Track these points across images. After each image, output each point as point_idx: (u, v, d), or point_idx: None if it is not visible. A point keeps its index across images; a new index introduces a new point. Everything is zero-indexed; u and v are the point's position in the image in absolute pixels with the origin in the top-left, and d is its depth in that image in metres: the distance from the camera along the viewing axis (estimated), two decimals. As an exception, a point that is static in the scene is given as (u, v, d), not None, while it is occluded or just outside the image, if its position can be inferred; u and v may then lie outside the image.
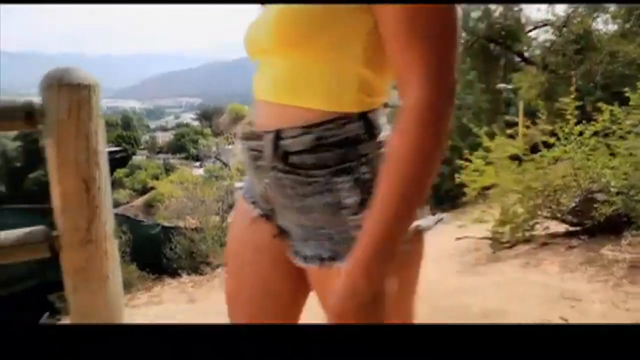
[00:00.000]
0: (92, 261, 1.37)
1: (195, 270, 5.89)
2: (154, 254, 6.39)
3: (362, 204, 0.73)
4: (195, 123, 50.22)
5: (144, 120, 52.33)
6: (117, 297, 1.47)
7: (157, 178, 32.61)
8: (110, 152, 38.20)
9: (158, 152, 41.52)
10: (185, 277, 5.76)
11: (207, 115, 52.06)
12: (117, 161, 36.81)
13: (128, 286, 5.54)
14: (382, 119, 0.78)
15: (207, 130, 40.53)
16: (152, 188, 32.20)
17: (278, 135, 0.76)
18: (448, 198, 8.12)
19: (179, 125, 51.57)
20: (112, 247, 1.42)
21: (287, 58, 0.75)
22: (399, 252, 0.68)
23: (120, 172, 34.39)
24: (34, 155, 36.63)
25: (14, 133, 41.96)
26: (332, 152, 0.73)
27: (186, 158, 38.71)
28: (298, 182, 0.76)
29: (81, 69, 1.34)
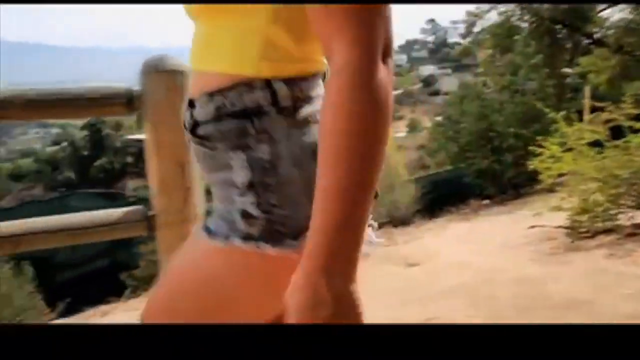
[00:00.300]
0: (185, 240, 1.43)
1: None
2: None
3: (251, 187, 0.64)
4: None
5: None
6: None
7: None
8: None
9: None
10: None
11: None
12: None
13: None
14: (307, 91, 0.67)
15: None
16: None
17: (191, 104, 0.70)
18: (511, 186, 7.83)
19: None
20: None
21: (201, 22, 0.70)
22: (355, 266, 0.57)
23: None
24: (99, 145, 38.77)
25: (81, 123, 44.56)
26: (231, 123, 0.65)
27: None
28: (206, 155, 0.70)
29: (173, 57, 1.39)
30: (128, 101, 1.35)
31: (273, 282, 0.66)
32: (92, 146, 38.76)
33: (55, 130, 57.88)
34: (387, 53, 0.56)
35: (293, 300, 0.56)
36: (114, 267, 6.91)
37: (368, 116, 0.53)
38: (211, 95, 0.66)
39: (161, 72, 1.34)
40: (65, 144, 41.99)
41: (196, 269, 0.74)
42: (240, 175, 0.65)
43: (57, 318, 4.59)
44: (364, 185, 0.54)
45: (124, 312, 3.92)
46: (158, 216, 1.43)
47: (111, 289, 5.62)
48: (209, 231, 0.70)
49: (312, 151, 0.62)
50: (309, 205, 0.57)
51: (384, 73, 0.55)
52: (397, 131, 30.37)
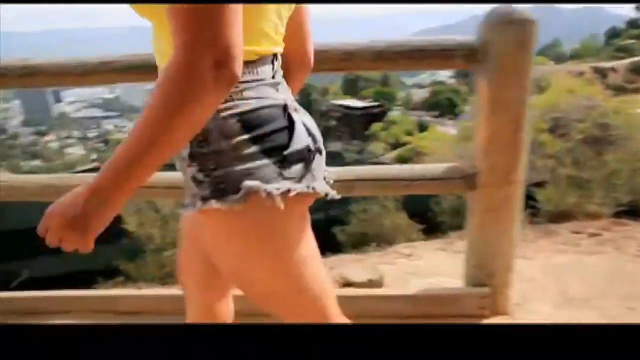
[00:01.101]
0: (506, 203, 1.37)
1: (459, 227, 5.69)
2: (423, 205, 6.46)
3: (192, 157, 0.77)
4: (452, 81, 49.46)
5: (401, 77, 54.17)
6: (513, 244, 1.45)
7: (410, 134, 33.78)
8: (368, 107, 41.33)
9: (413, 109, 42.69)
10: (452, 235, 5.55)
11: (464, 73, 50.44)
12: (375, 116, 39.25)
13: (396, 234, 5.76)
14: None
15: (464, 89, 39.46)
16: (404, 144, 33.65)
17: None
18: None
19: (434, 83, 51.60)
20: (522, 193, 1.39)
21: (149, 20, 0.79)
22: (120, 203, 0.68)
23: (377, 127, 36.73)
24: (306, 108, 42.07)
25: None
26: None
27: (440, 116, 38.71)
28: None
29: (521, 8, 1.28)
30: (468, 54, 1.31)
31: (223, 232, 0.80)
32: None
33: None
34: (227, 55, 0.63)
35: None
36: (328, 222, 7.37)
37: (171, 101, 0.64)
38: None
39: (510, 24, 1.25)
40: (279, 107, 46.92)
41: (195, 240, 0.95)
42: (184, 150, 0.78)
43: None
44: (152, 143, 0.65)
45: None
46: (482, 175, 1.38)
47: (326, 242, 6.02)
48: (186, 207, 0.80)
49: (237, 123, 0.75)
50: (241, 166, 0.74)
51: (211, 80, 0.63)
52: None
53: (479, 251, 1.49)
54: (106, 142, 50.26)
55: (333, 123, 40.90)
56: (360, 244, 5.52)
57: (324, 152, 0.87)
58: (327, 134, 39.99)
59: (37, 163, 45.47)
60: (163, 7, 0.67)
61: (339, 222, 6.82)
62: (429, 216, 6.85)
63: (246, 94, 0.78)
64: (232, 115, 0.77)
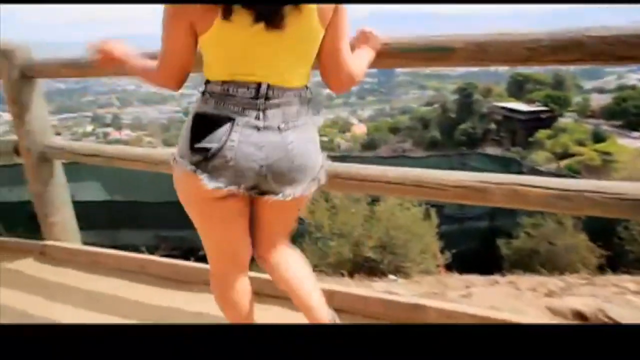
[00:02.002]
0: None
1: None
2: (609, 228, 5.60)
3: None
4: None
5: (578, 79, 48.25)
6: None
7: (582, 144, 30.03)
8: (534, 112, 37.75)
9: (589, 116, 37.87)
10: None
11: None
12: (542, 121, 35.86)
13: (571, 257, 5.05)
14: (206, 87, 1.19)
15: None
16: (572, 154, 30.04)
17: None
18: None
19: (621, 87, 44.86)
20: None
21: None
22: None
23: (542, 133, 33.48)
24: (467, 109, 40.45)
25: (454, 87, 47.31)
26: None
27: (622, 126, 33.66)
28: None
29: None
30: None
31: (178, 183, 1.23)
32: (460, 109, 40.75)
33: (430, 92, 64.27)
34: (172, 75, 1.22)
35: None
36: (492, 230, 6.91)
37: (149, 79, 1.28)
38: None
39: None
40: (437, 105, 45.73)
41: None
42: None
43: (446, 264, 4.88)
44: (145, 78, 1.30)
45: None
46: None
47: (487, 254, 5.61)
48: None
49: (196, 116, 1.16)
50: (187, 144, 1.15)
51: (159, 84, 1.25)
52: None
53: None
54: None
55: (492, 126, 38.39)
56: (525, 262, 5.03)
57: (245, 162, 1.13)
58: (484, 137, 37.67)
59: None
60: None
61: (504, 233, 6.28)
62: (614, 242, 5.98)
63: (201, 100, 1.19)
64: (195, 109, 1.19)
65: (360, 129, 48.49)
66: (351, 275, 3.20)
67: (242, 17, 1.06)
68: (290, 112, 1.14)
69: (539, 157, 30.56)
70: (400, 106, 64.05)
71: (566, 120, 36.50)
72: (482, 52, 1.37)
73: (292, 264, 1.39)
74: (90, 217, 2.83)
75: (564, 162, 28.89)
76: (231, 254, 1.30)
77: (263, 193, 1.18)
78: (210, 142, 1.10)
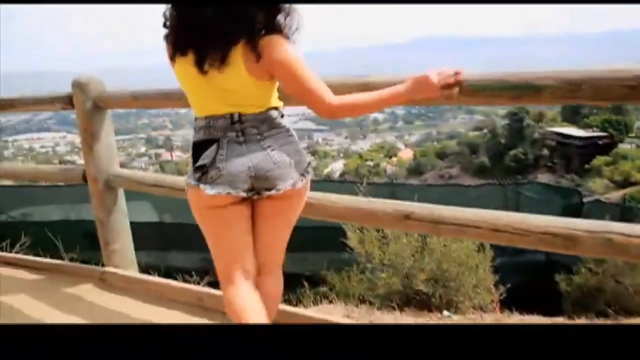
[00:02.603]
0: None
1: None
2: None
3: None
4: None
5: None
6: None
7: (645, 172, 28.36)
8: (591, 137, 36.12)
9: (652, 143, 35.84)
10: None
11: None
12: (599, 147, 34.26)
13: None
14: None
15: None
16: (634, 183, 28.37)
17: None
18: None
19: (687, 113, 42.37)
20: None
21: None
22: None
23: (600, 160, 31.94)
24: (517, 134, 39.26)
25: (504, 111, 46.16)
26: None
27: (688, 154, 31.56)
28: None
29: None
30: None
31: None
32: (510, 135, 39.64)
33: (479, 117, 62.90)
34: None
35: None
36: (550, 264, 6.54)
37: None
38: None
39: None
40: (485, 130, 44.69)
41: None
42: None
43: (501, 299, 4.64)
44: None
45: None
46: None
47: (543, 286, 5.29)
48: None
49: (193, 144, 1.43)
50: (190, 167, 1.42)
51: None
52: None
53: None
54: (314, 152, 55.29)
55: (545, 152, 37.02)
56: (588, 302, 4.71)
57: (232, 172, 1.37)
58: (535, 163, 36.34)
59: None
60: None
61: (563, 268, 5.90)
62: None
63: (194, 132, 1.46)
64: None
65: (406, 154, 48.10)
66: (401, 308, 3.10)
67: (188, 59, 1.33)
68: (263, 127, 1.39)
69: (596, 185, 29.18)
70: (448, 131, 63.10)
71: (627, 146, 34.69)
72: (575, 90, 1.30)
73: (263, 295, 1.49)
74: (141, 238, 2.90)
75: (624, 192, 27.33)
76: (235, 255, 1.47)
77: (259, 192, 1.40)
78: (205, 159, 1.37)
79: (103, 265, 2.76)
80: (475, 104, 1.45)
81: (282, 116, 1.45)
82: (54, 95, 2.73)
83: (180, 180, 2.41)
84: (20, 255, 3.18)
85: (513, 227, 1.46)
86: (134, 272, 2.70)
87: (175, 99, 2.11)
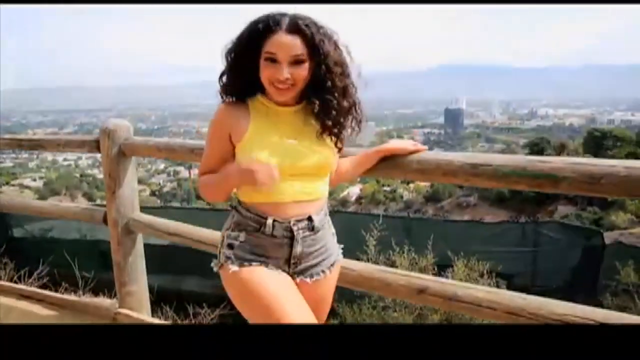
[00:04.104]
0: None
1: None
2: None
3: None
4: None
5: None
6: None
7: (673, 207, 27.58)
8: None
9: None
10: None
11: None
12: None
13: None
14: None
15: None
16: (660, 217, 27.57)
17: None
18: None
19: None
20: None
21: None
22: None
23: (623, 194, 31.19)
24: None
25: (525, 140, 45.54)
26: None
27: None
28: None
29: None
30: None
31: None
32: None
33: (499, 146, 62.53)
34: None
35: None
36: (570, 286, 6.30)
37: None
38: None
39: None
40: (505, 159, 44.13)
41: None
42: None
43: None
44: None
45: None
46: None
47: None
48: None
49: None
50: None
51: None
52: None
53: None
54: (332, 175, 55.00)
55: (566, 184, 36.41)
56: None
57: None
58: (556, 195, 35.72)
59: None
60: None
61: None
62: None
63: None
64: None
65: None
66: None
67: None
68: None
69: (619, 218, 28.52)
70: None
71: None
72: (594, 184, 1.31)
73: None
74: (155, 261, 2.91)
75: (649, 227, 26.60)
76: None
77: None
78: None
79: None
80: (492, 186, 1.47)
81: (233, 207, 1.44)
82: (82, 139, 2.82)
83: (196, 231, 2.44)
84: (36, 289, 3.24)
85: (529, 312, 1.45)
86: (147, 316, 2.73)
87: (199, 153, 2.16)
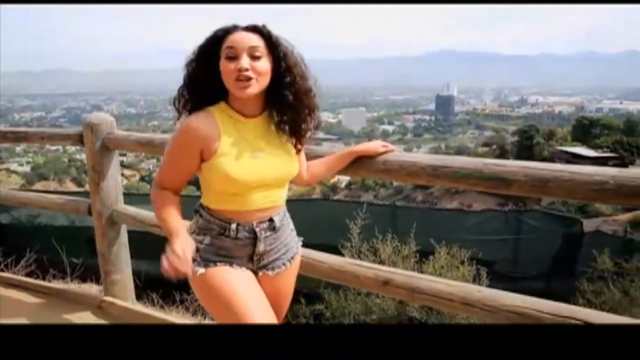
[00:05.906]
0: None
1: None
2: None
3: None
4: None
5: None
6: None
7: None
8: (601, 158, 35.80)
9: (664, 166, 35.48)
10: None
11: None
12: (609, 169, 33.82)
13: None
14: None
15: None
16: (643, 206, 27.99)
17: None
18: None
19: None
20: None
21: None
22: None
23: (610, 182, 31.52)
24: (526, 152, 39.07)
25: (514, 128, 45.85)
26: None
27: None
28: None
29: None
30: None
31: None
32: (519, 152, 39.42)
33: (489, 133, 63.10)
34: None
35: None
36: (547, 293, 6.49)
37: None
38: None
39: None
40: (494, 146, 44.53)
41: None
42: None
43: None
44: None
45: None
46: None
47: None
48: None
49: None
50: None
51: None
52: None
53: None
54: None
55: (555, 171, 36.72)
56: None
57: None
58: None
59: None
60: None
61: (561, 298, 5.92)
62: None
63: None
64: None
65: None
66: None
67: None
68: None
69: (602, 206, 28.82)
70: (457, 145, 63.05)
71: (637, 169, 34.26)
72: (543, 186, 1.39)
73: None
74: (142, 246, 2.96)
75: (632, 214, 27.01)
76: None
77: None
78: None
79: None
80: (453, 186, 1.56)
81: (196, 212, 1.47)
82: (66, 132, 2.87)
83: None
84: (23, 278, 3.30)
85: (483, 304, 1.56)
86: (131, 304, 2.82)
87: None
